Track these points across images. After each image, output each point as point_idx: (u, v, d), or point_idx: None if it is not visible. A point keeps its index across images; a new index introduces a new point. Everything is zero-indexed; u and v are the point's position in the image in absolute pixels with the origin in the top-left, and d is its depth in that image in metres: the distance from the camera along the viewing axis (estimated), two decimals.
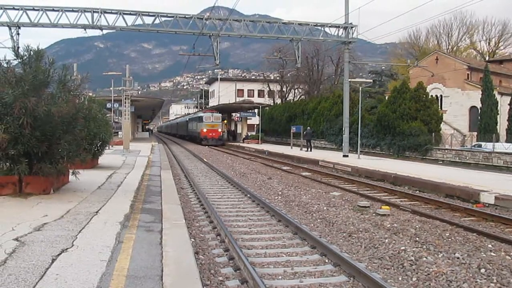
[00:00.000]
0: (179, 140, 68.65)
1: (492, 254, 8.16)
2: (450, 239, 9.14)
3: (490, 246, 8.70)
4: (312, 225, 10.56)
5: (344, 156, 28.81)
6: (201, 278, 5.42)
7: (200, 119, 54.10)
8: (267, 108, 61.27)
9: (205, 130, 51.83)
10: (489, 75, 41.87)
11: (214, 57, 29.52)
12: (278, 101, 68.55)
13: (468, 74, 49.54)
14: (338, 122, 38.44)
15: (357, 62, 52.48)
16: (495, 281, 6.79)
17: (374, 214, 11.61)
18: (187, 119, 68.66)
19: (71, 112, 9.68)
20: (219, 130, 53.05)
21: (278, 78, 70.79)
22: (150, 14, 28.76)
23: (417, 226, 10.11)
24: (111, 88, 44.96)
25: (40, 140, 9.34)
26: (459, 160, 29.01)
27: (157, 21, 29.09)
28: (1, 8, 26.33)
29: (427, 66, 44.25)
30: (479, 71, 47.80)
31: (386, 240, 8.71)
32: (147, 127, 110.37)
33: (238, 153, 37.77)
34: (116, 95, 41.45)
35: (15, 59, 10.05)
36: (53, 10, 27.37)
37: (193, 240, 8.43)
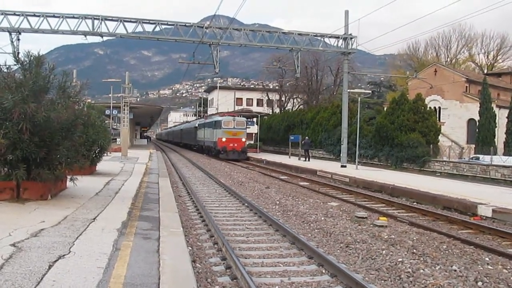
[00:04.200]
0: (182, 150, 61.35)
1: (489, 267, 8.15)
2: (447, 252, 9.14)
3: (487, 259, 8.70)
4: (310, 235, 10.55)
5: (342, 166, 28.82)
6: (198, 287, 5.40)
7: (217, 124, 41.67)
8: (266, 117, 61.33)
9: (224, 139, 39.84)
10: (487, 88, 42.07)
11: (213, 65, 29.60)
12: (277, 110, 68.65)
13: (466, 86, 49.77)
14: (337, 132, 38.48)
15: (356, 73, 52.64)
16: None
17: (371, 225, 11.60)
18: (196, 125, 55.18)
19: (70, 118, 9.69)
20: (243, 139, 40.80)
21: (277, 87, 70.98)
22: (150, 22, 28.85)
23: (414, 238, 10.11)
24: (110, 95, 45.05)
25: (38, 145, 9.34)
26: (457, 173, 29.03)
27: (157, 28, 29.20)
28: (2, 14, 26.42)
29: (426, 78, 44.38)
30: (478, 84, 48.01)
31: (384, 252, 8.70)
32: (145, 134, 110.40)
33: (236, 161, 37.68)
34: (115, 102, 41.52)
35: (15, 65, 10.08)
36: (53, 16, 27.46)
37: (190, 248, 8.41)
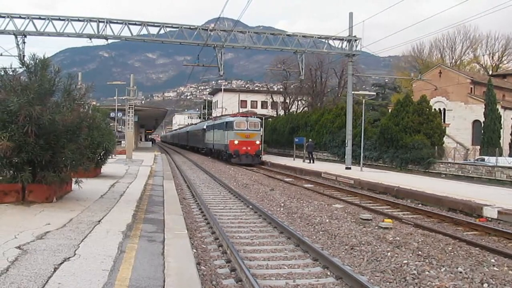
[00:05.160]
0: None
1: (495, 269, 8.12)
2: (452, 253, 9.10)
3: (493, 260, 8.66)
4: (314, 237, 10.53)
5: (346, 168, 28.78)
6: None
7: (228, 125, 37.75)
8: (270, 119, 61.26)
9: (236, 142, 36.16)
10: (492, 89, 41.96)
11: (218, 68, 29.66)
12: (281, 112, 68.68)
13: (471, 88, 49.62)
14: (341, 134, 38.41)
15: (361, 75, 52.52)
16: None
17: (376, 227, 11.58)
18: (205, 127, 51.11)
19: (75, 121, 9.72)
20: (257, 142, 37.12)
21: (281, 89, 71.05)
22: (155, 24, 28.95)
23: (419, 240, 10.08)
24: (115, 97, 45.25)
25: (44, 148, 9.37)
26: (462, 174, 28.94)
27: (162, 31, 29.30)
28: (8, 17, 26.56)
29: (431, 79, 44.28)
30: (483, 85, 47.87)
31: (389, 254, 8.68)
32: (150, 136, 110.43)
33: (241, 164, 37.58)
34: (120, 104, 41.69)
35: (21, 68, 10.13)
36: (59, 19, 27.59)
37: (195, 250, 8.42)
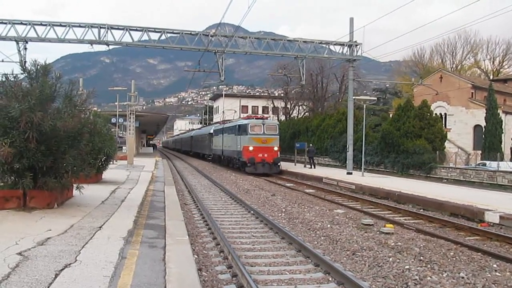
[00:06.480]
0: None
1: (497, 274, 8.09)
2: (454, 259, 9.08)
3: (495, 266, 8.64)
4: (316, 242, 10.51)
5: (348, 173, 28.74)
6: None
7: (241, 129, 33.08)
8: None
9: (251, 148, 31.48)
10: (493, 94, 41.94)
11: (219, 73, 29.64)
12: (282, 117, 68.66)
13: (472, 92, 49.66)
14: (342, 139, 38.38)
15: (362, 80, 52.49)
16: None
17: (378, 232, 11.56)
18: (211, 131, 45.96)
19: (77, 127, 9.73)
20: (275, 148, 32.07)
21: (282, 94, 71.01)
22: (156, 30, 28.97)
23: (421, 245, 10.05)
24: (116, 103, 45.27)
25: (45, 154, 9.38)
26: (464, 179, 28.88)
27: (163, 37, 29.29)
28: (9, 23, 26.61)
29: (431, 84, 44.28)
30: (483, 90, 47.89)
31: (390, 259, 8.65)
32: (151, 142, 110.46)
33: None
34: (121, 110, 41.74)
35: (22, 74, 10.14)
36: (60, 25, 27.64)
37: (196, 256, 8.40)
